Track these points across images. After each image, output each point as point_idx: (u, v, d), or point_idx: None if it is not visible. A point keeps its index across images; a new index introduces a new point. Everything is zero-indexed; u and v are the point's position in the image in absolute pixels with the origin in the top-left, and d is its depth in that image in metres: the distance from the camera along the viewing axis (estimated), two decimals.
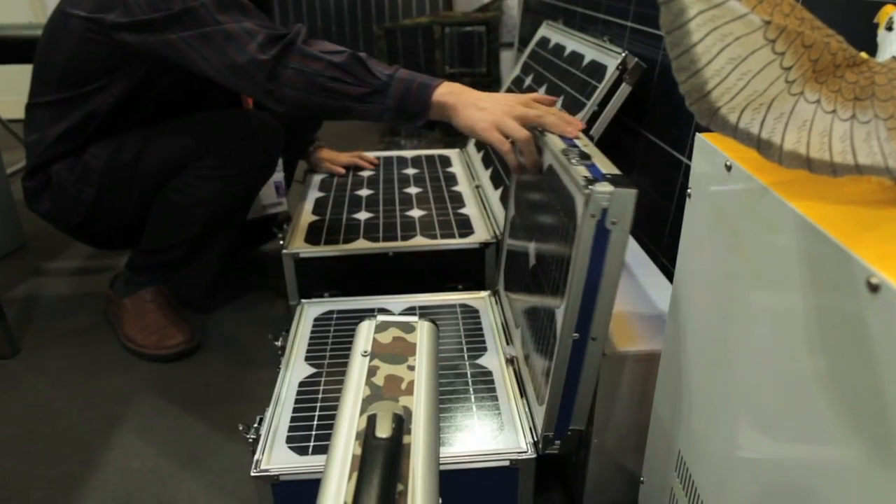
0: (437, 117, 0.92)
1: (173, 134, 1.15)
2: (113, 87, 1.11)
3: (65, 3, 1.11)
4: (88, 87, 1.11)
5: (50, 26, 1.13)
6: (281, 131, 1.22)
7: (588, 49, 1.28)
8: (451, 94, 0.90)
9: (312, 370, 0.88)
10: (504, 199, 1.23)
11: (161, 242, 1.20)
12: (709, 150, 0.53)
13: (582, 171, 0.64)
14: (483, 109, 0.87)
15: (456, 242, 1.13)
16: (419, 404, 0.53)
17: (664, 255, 1.05)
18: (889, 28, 0.46)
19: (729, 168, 0.49)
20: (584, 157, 0.69)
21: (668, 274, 0.95)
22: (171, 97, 1.17)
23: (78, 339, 1.26)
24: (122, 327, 1.22)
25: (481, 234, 1.16)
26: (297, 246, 1.13)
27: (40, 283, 1.48)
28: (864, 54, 0.43)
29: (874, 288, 0.32)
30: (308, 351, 0.92)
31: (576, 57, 1.32)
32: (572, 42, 1.38)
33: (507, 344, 0.92)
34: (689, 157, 1.01)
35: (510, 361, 0.88)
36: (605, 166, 0.66)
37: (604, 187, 0.59)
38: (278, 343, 0.96)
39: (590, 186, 0.59)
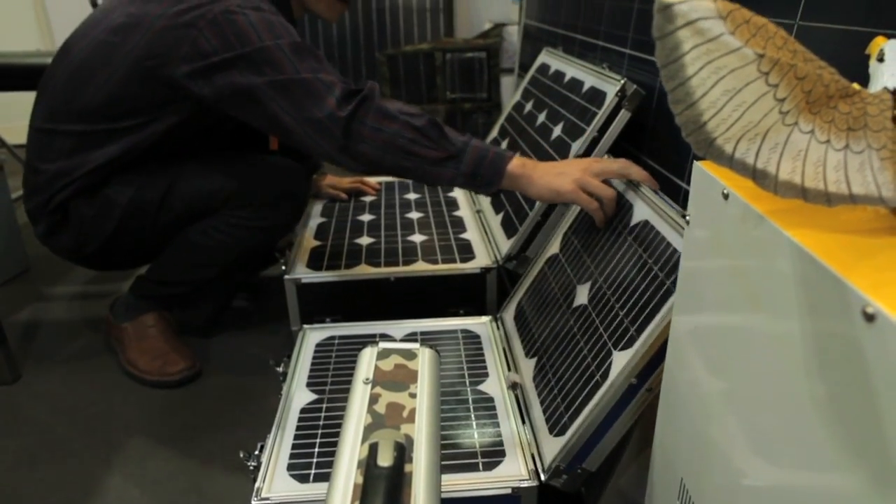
0: (509, 187, 0.94)
1: (207, 177, 1.12)
2: (156, 124, 1.07)
3: (107, 32, 1.05)
4: (127, 122, 1.07)
5: (84, 54, 1.07)
6: (308, 181, 1.24)
7: (587, 75, 1.30)
8: (524, 165, 0.93)
9: (314, 396, 0.88)
10: (505, 226, 1.24)
11: (172, 276, 1.20)
12: (706, 178, 0.53)
13: None
14: (562, 174, 0.91)
15: (457, 267, 1.13)
16: (421, 432, 0.53)
17: None
18: (880, 59, 0.47)
19: (726, 196, 0.50)
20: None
21: None
22: (209, 135, 1.15)
23: (79, 364, 1.26)
24: (124, 352, 1.22)
25: (482, 259, 1.17)
26: (300, 271, 1.14)
27: (43, 307, 1.48)
28: (856, 85, 0.44)
29: (870, 317, 0.33)
30: (310, 377, 0.92)
31: (575, 83, 1.34)
32: (572, 68, 1.40)
33: (510, 370, 0.92)
34: (688, 183, 1.02)
35: (512, 387, 0.88)
36: None
37: None
38: (280, 368, 0.96)
39: None
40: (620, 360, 0.69)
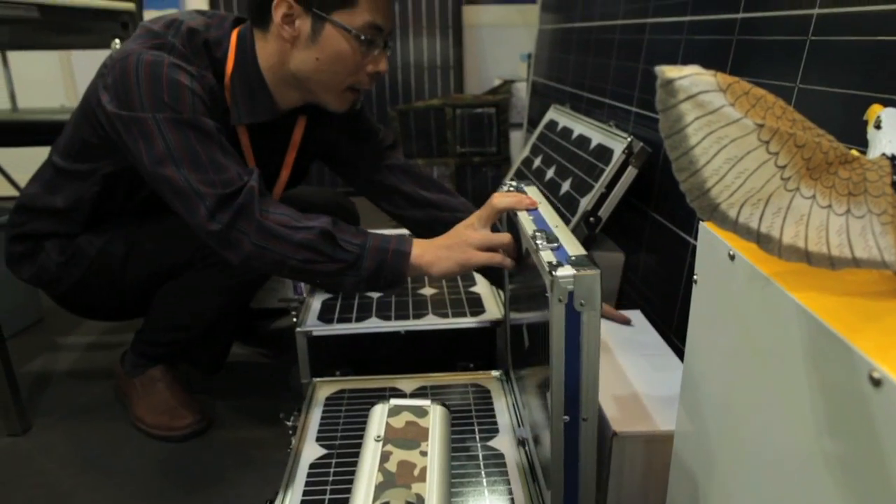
0: (414, 275, 0.94)
1: (167, 239, 1.10)
2: (97, 173, 1.07)
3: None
4: (80, 165, 1.07)
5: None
6: None
7: (595, 133, 1.33)
8: (423, 254, 0.92)
9: (323, 451, 0.87)
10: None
11: (159, 337, 1.20)
12: (712, 239, 0.55)
13: (548, 255, 0.66)
14: (456, 244, 0.91)
15: (467, 321, 1.14)
16: (432, 491, 0.53)
17: (675, 334, 1.05)
18: (877, 126, 0.48)
19: (732, 257, 0.51)
20: (552, 239, 0.71)
21: (680, 353, 0.95)
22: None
23: (89, 416, 1.26)
24: (132, 407, 1.22)
25: (492, 312, 1.17)
26: (311, 324, 1.14)
27: (55, 357, 1.49)
28: (854, 152, 0.45)
29: (876, 382, 0.33)
30: (319, 431, 0.92)
31: (583, 140, 1.37)
32: (580, 126, 1.43)
33: (519, 426, 0.92)
34: (696, 238, 1.03)
35: (522, 443, 0.88)
36: (572, 247, 0.68)
37: (566, 271, 0.61)
38: (289, 422, 0.96)
39: (553, 272, 0.61)
40: (549, 400, 0.69)
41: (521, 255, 0.88)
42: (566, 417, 0.65)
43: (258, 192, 0.91)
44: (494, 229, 0.94)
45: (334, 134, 1.19)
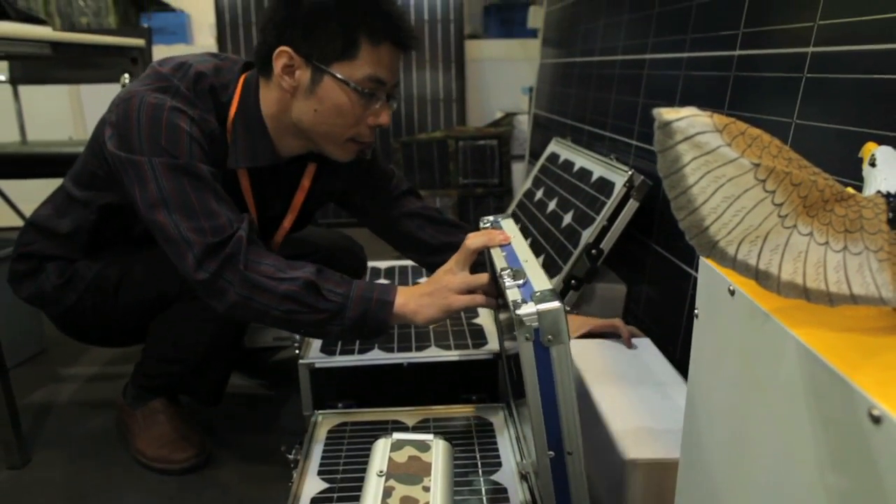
0: (398, 323, 0.94)
1: (157, 271, 1.10)
2: (96, 202, 1.09)
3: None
4: (84, 192, 1.09)
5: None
6: None
7: (596, 166, 1.34)
8: (408, 301, 0.93)
9: (325, 485, 0.87)
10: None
11: (154, 370, 1.19)
12: (713, 274, 0.55)
13: (513, 293, 0.66)
14: (436, 291, 0.92)
15: (469, 353, 1.14)
16: None
17: (677, 365, 1.05)
18: (872, 164, 0.49)
19: (732, 293, 0.51)
20: (518, 275, 0.71)
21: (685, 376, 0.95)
22: None
23: (89, 448, 1.25)
24: (133, 440, 1.21)
25: (495, 344, 1.17)
26: (314, 356, 1.14)
27: (57, 389, 1.49)
28: (850, 189, 0.46)
29: (876, 419, 0.33)
30: (321, 465, 0.91)
31: (584, 173, 1.38)
32: (581, 158, 1.45)
33: (522, 459, 0.91)
34: (697, 270, 1.04)
35: (524, 478, 0.87)
36: (538, 282, 0.68)
37: (528, 308, 0.60)
38: (291, 455, 0.95)
39: (517, 311, 0.61)
40: (530, 438, 0.68)
41: (500, 291, 0.89)
42: (551, 453, 0.65)
43: (246, 241, 0.91)
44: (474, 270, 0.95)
45: (345, 182, 1.19)
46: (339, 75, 0.95)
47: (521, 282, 0.68)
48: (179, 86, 0.98)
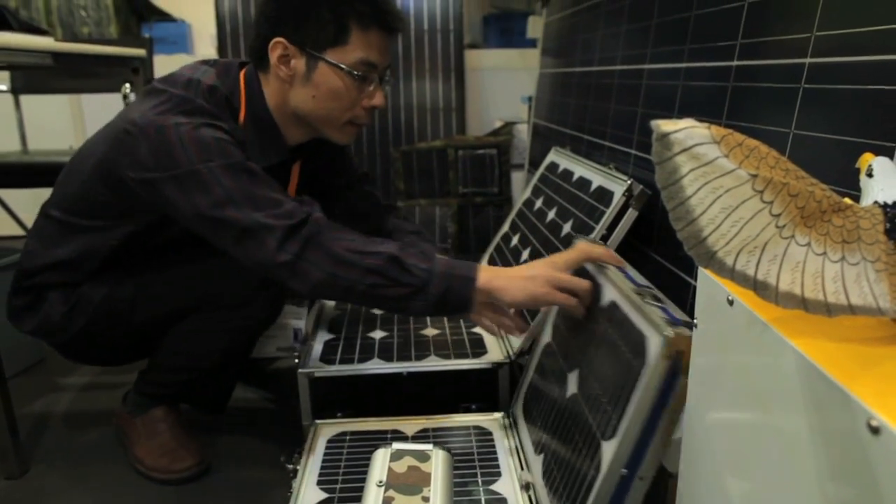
0: (482, 301, 0.93)
1: (172, 285, 1.11)
2: (117, 230, 1.09)
3: (100, 131, 1.11)
4: (93, 221, 1.09)
5: (82, 149, 1.12)
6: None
7: (595, 175, 1.34)
8: (495, 277, 0.92)
9: (325, 495, 0.86)
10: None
11: (164, 378, 1.20)
12: (711, 284, 0.55)
13: (658, 312, 0.66)
14: (532, 277, 0.90)
15: (469, 363, 1.14)
16: None
17: None
18: (869, 175, 0.49)
19: (731, 303, 0.51)
20: (657, 299, 0.71)
21: None
22: (176, 240, 1.13)
23: (88, 458, 1.25)
24: (132, 448, 1.21)
25: (494, 354, 1.17)
26: (313, 365, 1.14)
27: (56, 398, 1.49)
28: (847, 200, 0.46)
29: (875, 430, 0.34)
30: (320, 474, 0.91)
31: (584, 182, 1.38)
32: (580, 168, 1.45)
33: (522, 469, 0.91)
34: (696, 279, 1.04)
35: (525, 487, 0.87)
36: (677, 311, 0.69)
37: (683, 331, 0.60)
38: (290, 465, 0.95)
39: (669, 328, 0.60)
40: (608, 451, 0.68)
41: (594, 305, 0.87)
42: (624, 471, 0.65)
43: (324, 220, 0.94)
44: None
45: (320, 165, 1.26)
46: (332, 61, 1.00)
47: (661, 305, 0.68)
48: (202, 104, 1.00)
